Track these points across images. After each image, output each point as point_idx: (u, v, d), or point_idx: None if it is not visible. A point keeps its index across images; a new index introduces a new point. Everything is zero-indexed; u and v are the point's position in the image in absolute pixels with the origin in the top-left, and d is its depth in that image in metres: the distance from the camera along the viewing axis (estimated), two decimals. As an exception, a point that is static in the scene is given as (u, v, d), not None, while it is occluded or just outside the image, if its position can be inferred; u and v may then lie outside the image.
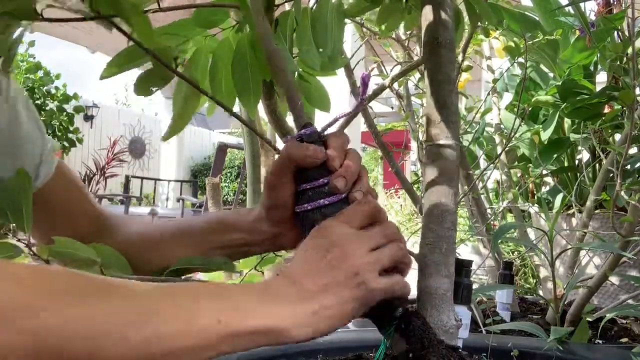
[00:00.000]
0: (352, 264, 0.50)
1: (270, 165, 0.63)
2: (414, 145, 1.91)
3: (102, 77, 0.61)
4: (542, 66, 1.77)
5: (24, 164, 0.65)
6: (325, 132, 0.59)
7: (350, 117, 0.60)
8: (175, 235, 0.70)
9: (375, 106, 1.96)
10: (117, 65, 0.60)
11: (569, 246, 1.43)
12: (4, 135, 0.65)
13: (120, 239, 0.71)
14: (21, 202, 0.54)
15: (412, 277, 0.64)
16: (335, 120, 0.59)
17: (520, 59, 1.39)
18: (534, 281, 2.41)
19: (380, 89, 1.27)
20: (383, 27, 0.81)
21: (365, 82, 0.56)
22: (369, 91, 1.39)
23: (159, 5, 0.54)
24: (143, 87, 0.61)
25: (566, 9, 1.57)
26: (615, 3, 1.56)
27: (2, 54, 0.55)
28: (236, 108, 0.77)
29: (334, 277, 0.49)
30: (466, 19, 0.84)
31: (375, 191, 0.58)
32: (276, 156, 0.58)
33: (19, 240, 0.57)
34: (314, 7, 0.69)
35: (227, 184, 10.18)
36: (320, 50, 0.68)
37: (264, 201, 0.61)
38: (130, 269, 0.62)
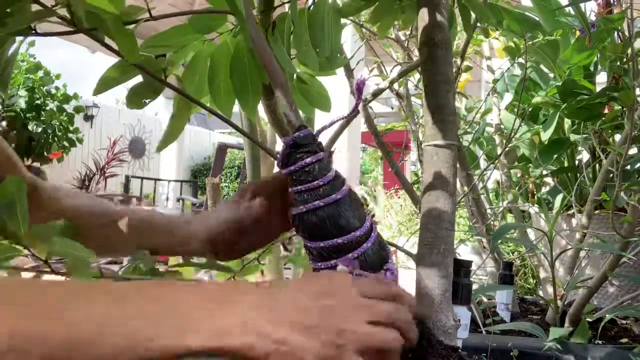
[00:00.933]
0: (342, 325, 0.46)
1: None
2: (414, 145, 1.90)
3: (95, 93, 0.61)
4: (542, 66, 1.77)
5: None
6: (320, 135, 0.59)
7: (346, 120, 0.60)
8: (112, 222, 0.70)
9: (375, 106, 1.96)
10: (111, 78, 0.59)
11: (569, 247, 1.43)
12: None
13: (54, 211, 0.70)
14: (16, 207, 0.54)
15: (411, 277, 0.64)
16: (332, 123, 0.59)
17: (520, 59, 1.39)
18: (534, 281, 2.41)
19: (380, 91, 1.27)
20: (377, 26, 0.81)
21: (359, 88, 0.56)
22: (369, 91, 1.40)
23: (150, 14, 0.53)
24: (135, 100, 0.61)
25: (566, 9, 1.57)
26: (615, 3, 1.56)
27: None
28: (236, 108, 0.77)
29: (316, 323, 0.45)
30: (459, 20, 0.84)
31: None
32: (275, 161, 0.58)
33: (17, 243, 0.57)
34: (311, 8, 0.69)
35: (227, 184, 10.18)
36: (318, 50, 0.68)
37: (211, 231, 0.63)
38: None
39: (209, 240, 0.64)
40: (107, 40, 0.54)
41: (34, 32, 0.52)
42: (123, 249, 0.71)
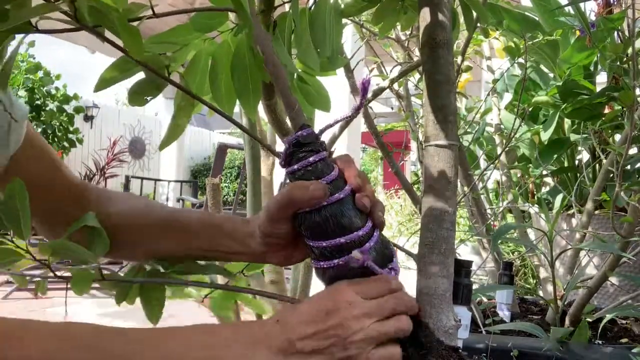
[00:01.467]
0: (348, 338, 0.50)
1: (272, 197, 0.63)
2: (414, 145, 1.91)
3: (96, 90, 0.61)
4: (542, 66, 1.77)
5: None
6: (327, 142, 0.58)
7: (348, 119, 0.60)
8: (165, 226, 0.69)
9: (376, 106, 1.96)
10: (110, 77, 0.59)
11: (569, 247, 1.43)
12: None
13: (101, 215, 0.68)
14: (18, 210, 0.54)
15: (411, 277, 0.65)
16: (335, 123, 0.59)
17: (520, 59, 1.39)
18: (534, 281, 2.41)
19: (380, 91, 1.27)
20: (380, 26, 0.81)
21: (365, 87, 0.56)
22: (369, 91, 1.39)
23: (153, 12, 0.53)
24: (137, 97, 0.60)
25: (566, 9, 1.57)
26: (615, 3, 1.56)
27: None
28: (237, 108, 0.77)
29: (326, 345, 0.50)
30: (462, 19, 0.84)
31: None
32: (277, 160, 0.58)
33: (17, 246, 0.57)
34: (312, 8, 0.69)
35: (227, 184, 10.18)
36: (319, 50, 0.68)
37: (261, 225, 0.61)
38: (107, 249, 0.62)
39: (264, 237, 0.62)
40: (108, 38, 0.53)
41: (34, 29, 0.52)
42: (176, 252, 0.69)
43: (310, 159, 0.55)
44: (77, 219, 0.62)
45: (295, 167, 0.56)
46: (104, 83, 0.60)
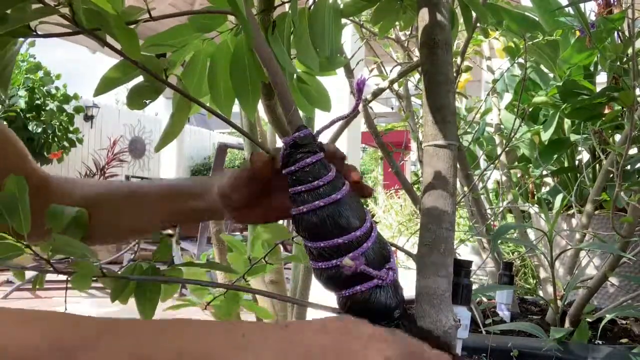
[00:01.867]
0: None
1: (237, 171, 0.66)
2: (414, 145, 1.91)
3: (96, 94, 0.61)
4: (542, 66, 1.77)
5: None
6: (320, 136, 0.59)
7: (346, 120, 0.60)
8: (126, 199, 0.71)
9: (376, 106, 1.96)
10: (111, 80, 0.59)
11: (569, 247, 1.43)
12: None
13: (65, 200, 0.70)
14: (17, 205, 0.54)
15: (410, 277, 0.64)
16: (332, 123, 0.59)
17: (520, 59, 1.39)
18: (534, 282, 2.41)
19: (380, 91, 1.27)
20: (379, 26, 0.81)
21: (359, 88, 0.56)
22: (369, 91, 1.40)
23: (150, 15, 0.53)
24: (136, 100, 0.60)
25: (566, 9, 1.57)
26: (615, 3, 1.56)
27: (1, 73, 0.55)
28: (236, 108, 0.77)
29: None
30: (461, 20, 0.84)
31: None
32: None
33: (17, 240, 0.57)
34: (311, 8, 0.69)
35: (227, 184, 10.18)
36: (318, 50, 0.68)
37: (221, 187, 0.65)
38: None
39: (222, 193, 0.65)
40: (108, 40, 0.54)
41: (34, 33, 0.52)
42: (151, 223, 0.71)
43: (308, 160, 0.55)
44: (38, 209, 0.62)
45: (293, 168, 0.56)
46: (105, 86, 0.60)
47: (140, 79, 0.60)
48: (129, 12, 0.53)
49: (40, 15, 0.47)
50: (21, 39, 0.54)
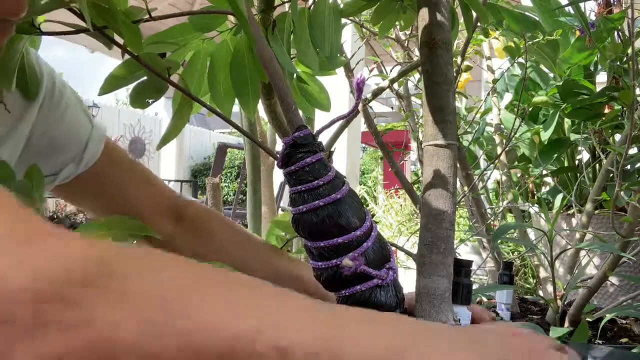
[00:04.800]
0: None
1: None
2: (414, 145, 1.91)
3: (101, 93, 0.61)
4: (542, 66, 1.77)
5: (67, 155, 0.69)
6: (320, 136, 0.59)
7: (346, 120, 0.60)
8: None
9: (375, 106, 1.96)
10: (116, 79, 0.59)
11: (569, 246, 1.43)
12: (45, 137, 0.69)
13: (201, 236, 0.74)
14: (34, 193, 0.54)
15: (410, 277, 0.65)
16: (332, 123, 0.59)
17: (520, 59, 1.39)
18: (534, 281, 2.41)
19: (380, 90, 1.27)
20: (379, 26, 0.81)
21: (359, 87, 0.56)
22: (369, 91, 1.40)
23: (149, 15, 0.54)
24: (138, 99, 0.60)
25: (566, 9, 1.57)
26: (615, 3, 1.56)
27: (9, 70, 0.55)
28: (236, 108, 0.77)
29: None
30: (461, 20, 0.84)
31: None
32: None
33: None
34: (311, 8, 0.69)
35: (227, 184, 10.18)
36: (318, 50, 0.68)
37: None
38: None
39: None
40: (115, 40, 0.54)
41: (38, 31, 0.52)
42: None
43: (307, 159, 0.55)
44: (171, 234, 0.67)
45: (293, 168, 0.56)
46: (110, 85, 0.60)
47: (143, 78, 0.61)
48: (132, 11, 0.53)
49: (50, 8, 0.47)
50: (27, 36, 0.54)
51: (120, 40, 0.54)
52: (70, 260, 0.27)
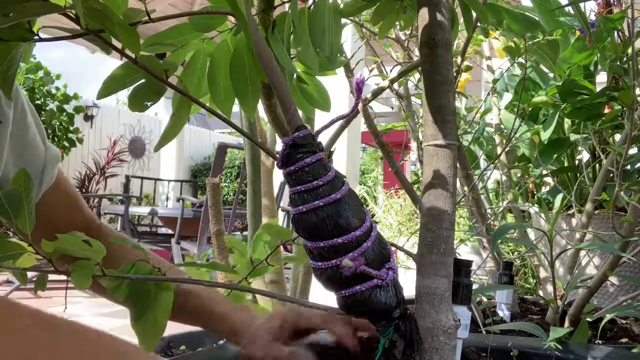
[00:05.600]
0: None
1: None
2: (414, 145, 1.91)
3: (99, 97, 0.61)
4: (542, 66, 1.77)
5: (30, 167, 0.70)
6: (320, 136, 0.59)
7: (346, 120, 0.60)
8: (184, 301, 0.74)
9: (375, 106, 1.96)
10: (114, 82, 0.59)
11: (569, 246, 1.43)
12: (14, 140, 0.69)
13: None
14: (23, 202, 0.54)
15: (410, 277, 0.64)
16: (332, 123, 0.59)
17: (520, 59, 1.39)
18: (534, 281, 2.41)
19: (380, 90, 1.27)
20: (379, 26, 0.81)
21: (359, 87, 0.56)
22: (369, 91, 1.40)
23: (149, 16, 0.53)
24: (137, 102, 0.60)
25: (566, 9, 1.57)
26: (615, 3, 1.56)
27: (6, 77, 0.55)
28: (236, 108, 0.77)
29: None
30: (461, 20, 0.84)
31: None
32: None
33: (20, 239, 0.57)
34: (311, 8, 0.69)
35: (227, 184, 10.17)
36: (318, 50, 0.68)
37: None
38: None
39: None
40: (111, 44, 0.54)
41: (37, 37, 0.52)
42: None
43: (307, 160, 0.55)
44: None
45: (292, 168, 0.56)
46: (108, 88, 0.60)
47: (141, 81, 0.60)
48: (131, 14, 0.53)
49: (44, 12, 0.47)
50: (25, 42, 0.54)
51: (119, 44, 0.54)
52: None
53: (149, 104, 0.61)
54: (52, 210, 0.75)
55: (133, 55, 0.54)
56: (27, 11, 0.47)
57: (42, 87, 6.95)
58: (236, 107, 0.75)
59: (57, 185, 0.76)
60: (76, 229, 0.74)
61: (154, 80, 0.56)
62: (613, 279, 1.49)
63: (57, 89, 7.19)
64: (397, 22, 0.82)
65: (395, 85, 1.66)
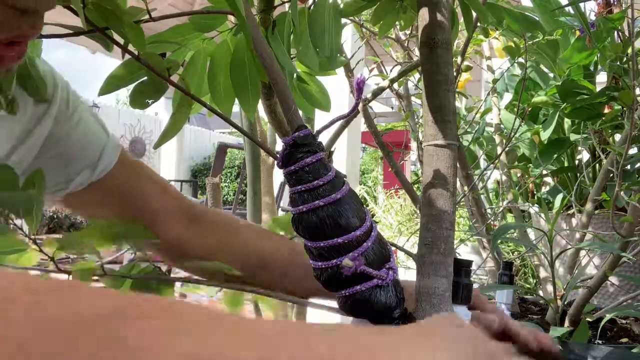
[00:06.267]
0: None
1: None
2: (414, 145, 1.91)
3: (101, 93, 0.61)
4: (542, 66, 1.77)
5: (81, 163, 0.70)
6: (320, 136, 0.59)
7: (346, 120, 0.60)
8: (291, 263, 0.76)
9: (375, 106, 1.96)
10: (116, 79, 0.59)
11: (569, 246, 1.43)
12: (59, 146, 0.70)
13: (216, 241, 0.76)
14: (33, 201, 0.54)
15: (410, 277, 0.65)
16: (332, 122, 0.59)
17: (520, 59, 1.40)
18: (534, 281, 2.41)
19: (380, 90, 1.27)
20: (379, 26, 0.81)
21: (359, 87, 0.56)
22: (369, 91, 1.40)
23: (149, 15, 0.54)
24: (138, 99, 0.60)
25: (566, 9, 1.57)
26: (615, 3, 1.56)
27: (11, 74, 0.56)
28: (236, 108, 0.77)
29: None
30: (461, 20, 0.84)
31: None
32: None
33: (26, 235, 0.57)
34: (311, 8, 0.69)
35: (227, 184, 10.18)
36: (318, 50, 0.68)
37: None
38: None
39: None
40: (115, 40, 0.54)
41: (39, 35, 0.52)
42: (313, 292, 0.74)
43: (307, 159, 0.55)
44: (186, 237, 0.70)
45: (293, 167, 0.56)
46: (110, 85, 0.60)
47: (142, 79, 0.61)
48: (132, 11, 0.53)
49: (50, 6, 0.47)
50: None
51: (120, 41, 0.54)
52: None
53: (149, 101, 0.61)
54: (123, 184, 0.75)
55: (136, 53, 0.54)
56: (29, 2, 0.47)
57: (42, 87, 6.94)
58: (236, 107, 0.76)
59: (123, 166, 0.75)
60: (162, 211, 0.76)
61: (155, 77, 0.57)
62: (613, 279, 1.50)
63: (57, 89, 7.18)
64: (397, 22, 0.82)
65: (395, 85, 1.66)
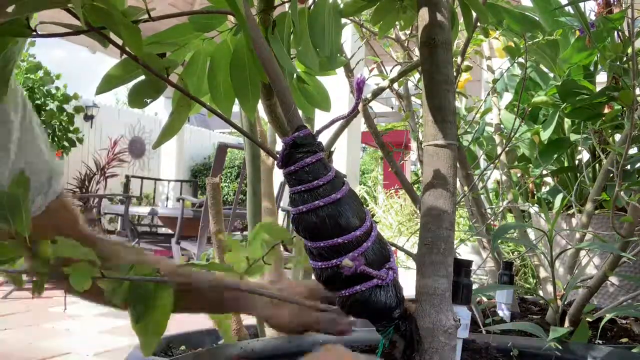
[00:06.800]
0: None
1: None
2: (414, 145, 1.91)
3: (98, 92, 0.61)
4: (542, 66, 1.77)
5: (37, 176, 0.70)
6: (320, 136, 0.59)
7: (346, 120, 0.60)
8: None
9: (376, 106, 1.96)
10: (113, 78, 0.59)
11: (569, 246, 1.43)
12: (24, 148, 0.69)
13: None
14: (21, 206, 0.54)
15: (410, 277, 0.65)
16: (332, 122, 0.59)
17: (520, 59, 1.39)
18: (534, 281, 2.41)
19: (380, 90, 1.27)
20: (379, 26, 0.81)
21: (359, 87, 0.56)
22: (369, 91, 1.40)
23: (149, 15, 0.53)
24: (137, 99, 0.60)
25: (566, 9, 1.57)
26: (615, 3, 1.56)
27: (4, 75, 0.55)
28: (236, 108, 0.77)
29: None
30: (461, 20, 0.84)
31: None
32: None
33: (18, 241, 0.57)
34: (311, 7, 0.69)
35: (227, 184, 10.17)
36: (318, 50, 0.68)
37: None
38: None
39: None
40: (112, 39, 0.54)
41: (35, 33, 0.52)
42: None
43: (307, 159, 0.55)
44: None
45: (292, 168, 0.56)
46: (107, 84, 0.60)
47: (141, 78, 0.60)
48: (131, 11, 0.53)
49: (45, 6, 0.47)
50: (22, 39, 0.54)
51: (119, 40, 0.54)
52: None
53: (148, 100, 0.61)
54: (53, 219, 0.74)
55: (135, 54, 0.54)
56: (27, 6, 0.47)
57: (42, 87, 6.95)
58: (236, 107, 0.75)
59: (61, 199, 0.75)
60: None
61: (153, 77, 0.56)
62: (613, 279, 1.50)
63: (57, 88, 7.19)
64: (397, 22, 0.82)
65: (395, 85, 1.66)
